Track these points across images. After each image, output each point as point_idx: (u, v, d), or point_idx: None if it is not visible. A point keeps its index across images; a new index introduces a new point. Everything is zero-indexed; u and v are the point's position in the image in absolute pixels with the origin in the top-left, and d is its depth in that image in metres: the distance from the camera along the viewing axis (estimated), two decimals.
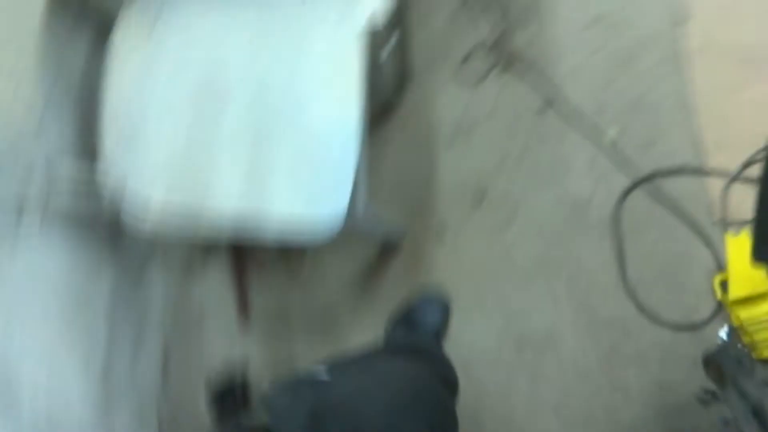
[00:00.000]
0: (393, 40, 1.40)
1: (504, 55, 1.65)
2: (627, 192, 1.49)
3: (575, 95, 1.58)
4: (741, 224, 1.42)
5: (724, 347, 1.07)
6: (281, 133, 0.96)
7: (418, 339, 1.30)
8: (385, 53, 1.19)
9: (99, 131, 1.03)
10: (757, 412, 0.96)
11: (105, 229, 1.21)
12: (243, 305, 1.58)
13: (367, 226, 1.34)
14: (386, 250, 1.55)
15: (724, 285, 1.38)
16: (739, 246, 1.39)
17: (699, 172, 1.47)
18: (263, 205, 0.95)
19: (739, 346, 1.07)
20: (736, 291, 1.35)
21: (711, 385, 1.26)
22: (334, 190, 0.92)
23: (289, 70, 1.00)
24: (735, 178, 1.45)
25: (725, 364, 1.04)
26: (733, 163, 1.46)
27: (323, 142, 0.94)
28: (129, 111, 1.02)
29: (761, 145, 1.46)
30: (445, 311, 1.40)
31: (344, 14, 1.01)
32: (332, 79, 0.98)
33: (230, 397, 1.42)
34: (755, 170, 1.45)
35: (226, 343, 1.60)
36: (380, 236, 1.50)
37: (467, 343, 1.47)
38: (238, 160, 0.97)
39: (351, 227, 0.95)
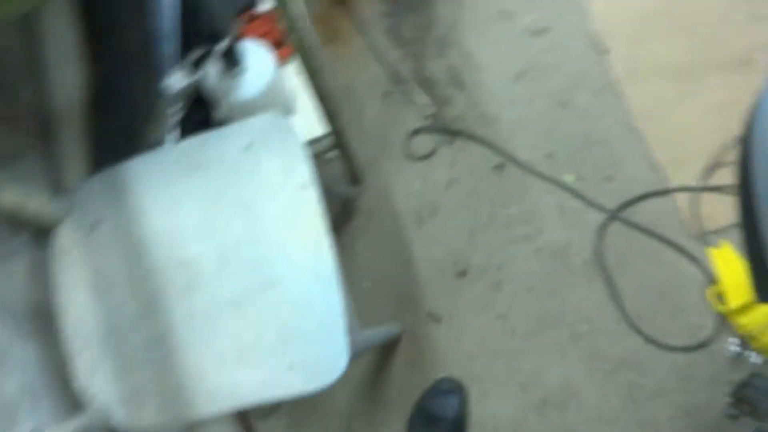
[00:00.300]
0: (334, 150, 1.42)
1: (446, 125, 1.67)
2: (601, 229, 1.50)
3: (526, 146, 1.61)
4: (718, 233, 1.44)
5: (749, 382, 1.07)
6: (259, 310, 0.94)
7: None
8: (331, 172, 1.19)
9: (66, 360, 0.99)
10: None
11: None
12: None
13: (365, 346, 1.33)
14: (387, 351, 1.53)
15: (719, 296, 1.40)
16: (723, 257, 1.41)
17: (663, 192, 1.50)
18: (263, 395, 0.93)
19: (762, 376, 1.07)
20: (733, 301, 1.37)
21: (735, 399, 1.26)
22: (329, 349, 0.90)
23: (248, 230, 0.99)
24: (698, 189, 1.48)
25: (755, 399, 1.04)
26: (693, 176, 1.49)
27: (305, 304, 0.93)
28: (93, 327, 0.99)
29: (713, 151, 1.50)
30: (460, 398, 1.38)
31: (287, 150, 1.01)
32: (295, 227, 0.97)
33: None
34: (715, 178, 1.48)
35: None
36: (380, 343, 1.48)
37: (491, 419, 1.45)
38: (224, 353, 0.94)
39: (353, 358, 0.93)
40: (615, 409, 1.40)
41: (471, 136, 1.65)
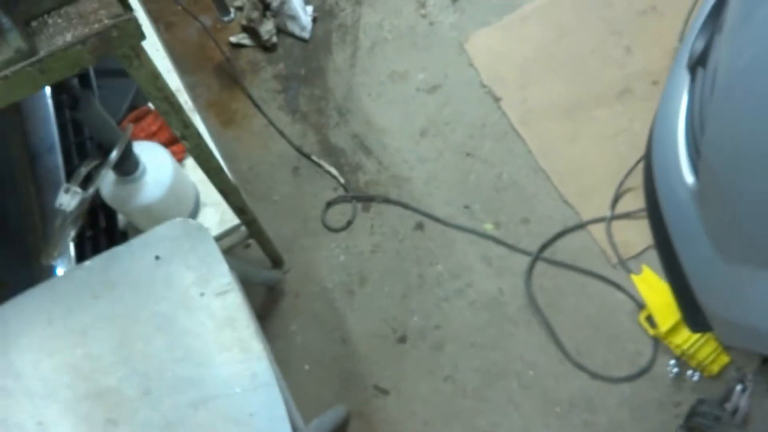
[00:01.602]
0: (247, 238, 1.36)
1: (360, 192, 1.66)
2: (528, 272, 1.52)
3: (442, 201, 1.62)
4: (637, 258, 1.49)
5: (696, 410, 1.08)
6: (194, 431, 0.86)
7: None
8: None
9: None
10: None
11: None
12: None
13: None
14: None
15: (650, 319, 1.44)
16: (646, 282, 1.46)
17: (578, 227, 1.54)
18: None
19: (707, 401, 1.09)
20: (663, 324, 1.41)
21: (686, 429, 1.28)
22: None
23: (170, 349, 0.91)
24: (609, 219, 1.53)
25: (705, 426, 1.05)
26: (602, 206, 1.55)
27: (244, 416, 0.86)
28: None
29: (615, 179, 1.57)
30: None
31: (201, 255, 0.95)
32: (220, 337, 0.90)
33: None
34: (623, 205, 1.54)
35: None
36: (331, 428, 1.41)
37: None
38: None
39: None
40: None
41: (386, 200, 1.64)
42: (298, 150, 1.73)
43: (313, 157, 1.71)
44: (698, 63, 0.90)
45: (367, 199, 1.65)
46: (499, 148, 1.66)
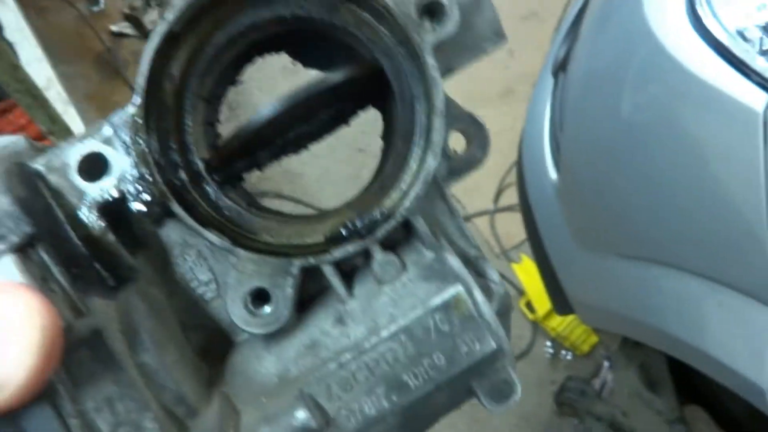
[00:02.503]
0: None
1: (252, 187, 1.64)
2: None
3: (334, 196, 1.63)
4: (518, 248, 1.58)
5: (565, 386, 1.17)
6: None
7: None
8: None
9: None
10: (616, 428, 1.06)
11: None
12: None
13: None
14: None
15: (529, 305, 1.53)
16: (525, 271, 1.55)
17: (464, 219, 1.61)
18: None
19: (575, 378, 1.18)
20: (540, 308, 1.50)
21: (558, 404, 1.38)
22: None
23: None
24: (492, 212, 1.61)
25: (573, 400, 1.14)
26: (487, 200, 1.62)
27: None
28: None
29: (499, 176, 1.66)
30: None
31: None
32: None
33: None
34: (505, 199, 1.63)
35: None
36: None
37: None
38: None
39: None
40: (461, 431, 1.46)
41: (279, 195, 1.63)
42: None
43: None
44: (561, 68, 0.96)
45: (259, 194, 1.64)
46: None
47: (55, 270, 0.24)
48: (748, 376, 0.63)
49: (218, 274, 0.27)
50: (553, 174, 0.95)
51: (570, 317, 1.49)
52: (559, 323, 1.47)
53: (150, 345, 0.25)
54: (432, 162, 0.29)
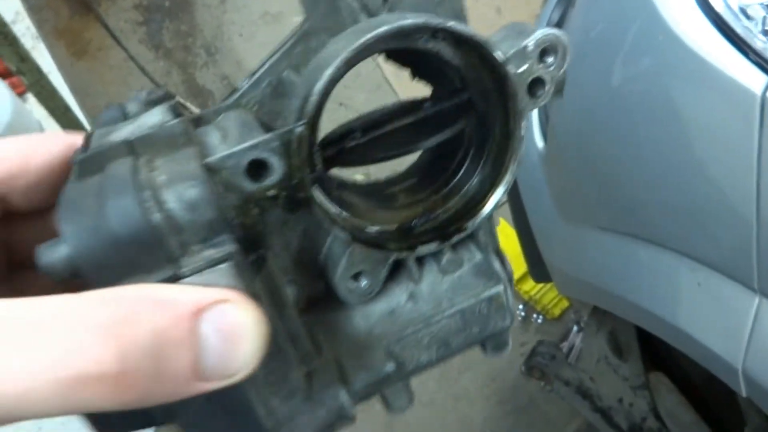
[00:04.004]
0: None
1: None
2: None
3: None
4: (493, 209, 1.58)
5: (535, 350, 1.19)
6: None
7: None
8: None
9: None
10: (582, 392, 1.08)
11: None
12: None
13: None
14: None
15: None
16: (501, 233, 1.54)
17: None
18: None
19: (546, 342, 1.19)
20: (515, 271, 1.52)
21: (527, 368, 1.41)
22: None
23: None
24: None
25: (542, 365, 1.16)
26: None
27: None
28: None
29: None
30: None
31: None
32: None
33: None
34: None
35: None
36: None
37: None
38: None
39: None
40: (431, 390, 1.49)
41: None
42: (162, 88, 1.62)
43: (179, 99, 1.62)
44: None
45: None
46: (372, 99, 1.66)
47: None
48: (722, 356, 0.64)
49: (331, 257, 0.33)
50: (540, 142, 0.94)
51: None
52: (532, 287, 1.48)
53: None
54: (502, 194, 0.34)
